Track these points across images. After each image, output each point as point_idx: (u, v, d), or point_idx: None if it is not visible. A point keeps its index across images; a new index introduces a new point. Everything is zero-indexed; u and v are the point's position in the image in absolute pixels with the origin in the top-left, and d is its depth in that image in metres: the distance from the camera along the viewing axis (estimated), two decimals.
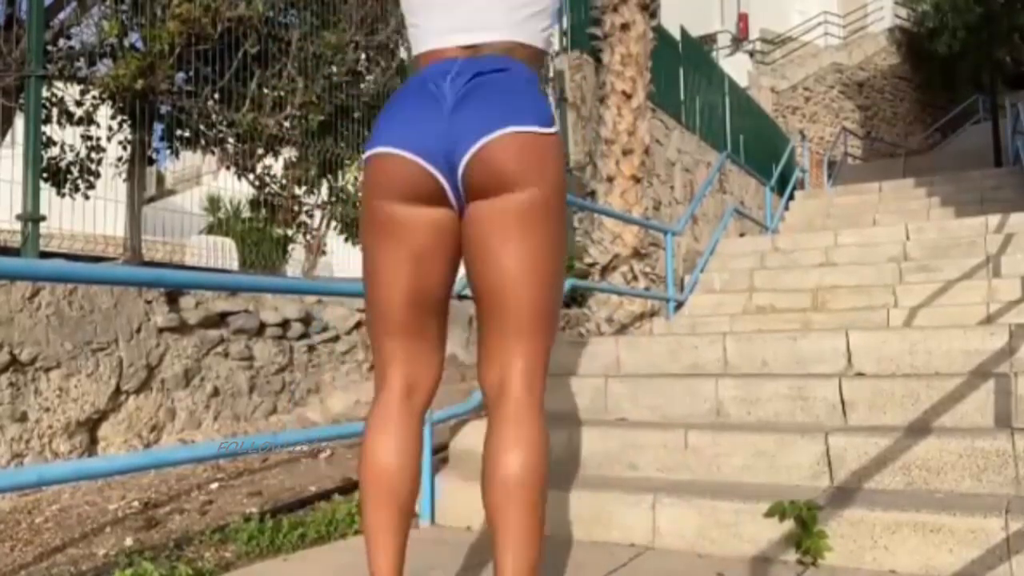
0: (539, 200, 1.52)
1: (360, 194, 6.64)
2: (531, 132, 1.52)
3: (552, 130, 1.55)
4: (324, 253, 7.12)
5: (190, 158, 9.49)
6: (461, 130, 1.52)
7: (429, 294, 1.63)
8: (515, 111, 1.53)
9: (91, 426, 3.66)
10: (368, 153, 1.62)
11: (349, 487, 3.42)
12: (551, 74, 8.14)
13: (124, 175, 5.83)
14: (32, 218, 3.73)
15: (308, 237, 6.81)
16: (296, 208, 6.58)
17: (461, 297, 2.49)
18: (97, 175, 5.58)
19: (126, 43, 5.20)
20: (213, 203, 9.53)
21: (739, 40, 21.32)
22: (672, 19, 10.02)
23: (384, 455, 1.61)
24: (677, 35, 9.78)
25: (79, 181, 5.50)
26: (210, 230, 8.50)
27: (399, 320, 1.62)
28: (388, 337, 1.65)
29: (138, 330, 3.84)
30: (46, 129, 4.95)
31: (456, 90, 1.55)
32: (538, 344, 1.58)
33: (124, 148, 5.79)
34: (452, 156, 1.53)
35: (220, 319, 4.24)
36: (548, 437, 1.58)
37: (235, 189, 7.02)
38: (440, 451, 3.37)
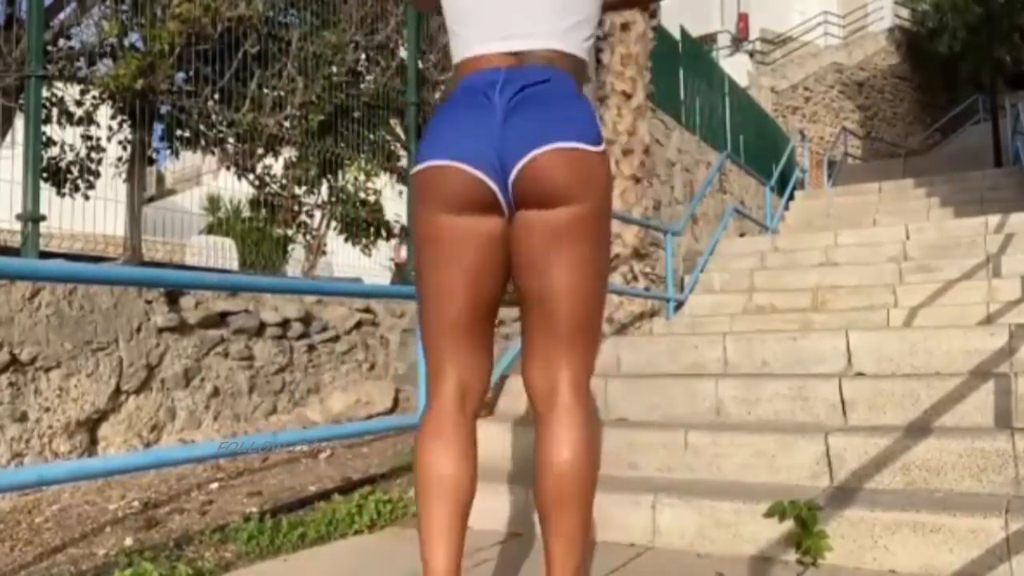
0: (584, 215, 1.56)
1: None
2: (578, 149, 1.54)
3: (599, 148, 1.57)
4: (324, 253, 7.12)
5: (190, 158, 9.48)
6: (512, 142, 1.54)
7: (484, 303, 1.64)
8: (563, 127, 1.54)
9: (91, 426, 3.66)
10: (420, 167, 1.61)
11: (349, 487, 3.42)
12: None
13: (124, 175, 5.83)
14: (32, 218, 3.73)
15: (308, 237, 6.81)
16: (296, 208, 6.58)
17: None
18: (97, 175, 5.58)
19: (126, 43, 5.20)
20: (213, 203, 9.53)
21: (739, 40, 21.32)
22: (672, 19, 10.02)
23: (443, 465, 1.61)
24: (677, 35, 9.77)
25: (79, 181, 5.50)
26: (210, 230, 8.50)
27: (454, 330, 1.64)
28: (442, 347, 1.66)
29: (138, 330, 3.84)
30: (46, 129, 4.95)
31: (505, 101, 1.56)
32: (584, 354, 1.63)
33: (124, 148, 5.79)
34: (504, 166, 1.55)
35: (220, 319, 4.24)
36: (598, 440, 1.66)
37: (235, 189, 7.02)
38: None
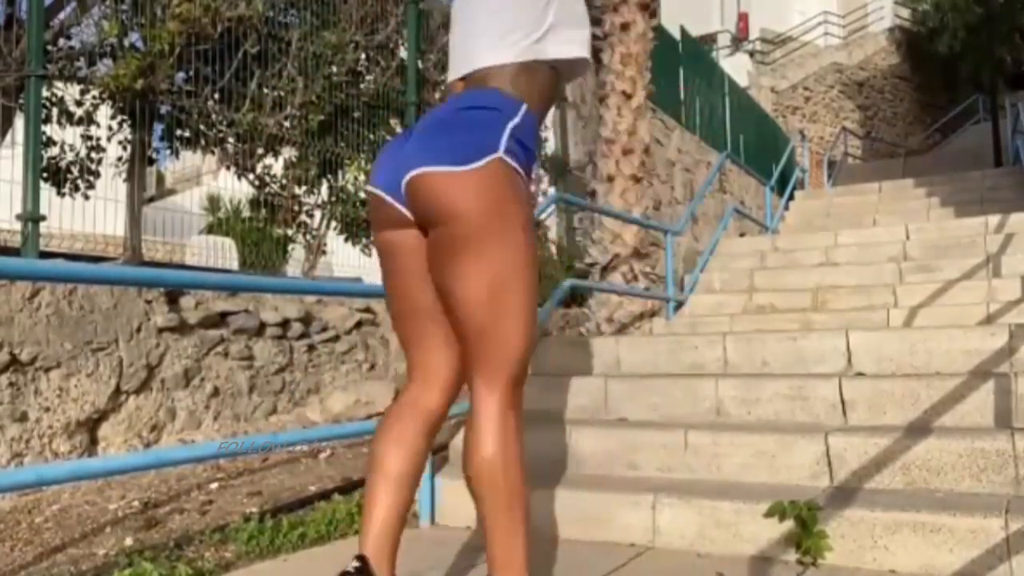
0: (457, 234, 1.62)
1: (360, 194, 6.70)
2: (439, 173, 1.62)
3: (467, 167, 1.61)
4: (324, 253, 7.12)
5: (190, 158, 9.48)
6: (400, 166, 1.69)
7: (422, 306, 1.80)
8: (435, 150, 1.64)
9: (91, 426, 3.66)
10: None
11: (349, 487, 3.42)
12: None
13: (124, 175, 5.82)
14: (32, 218, 3.73)
15: (308, 237, 6.81)
16: (296, 208, 6.58)
17: None
18: (97, 175, 5.58)
19: (126, 43, 5.20)
20: (213, 203, 9.52)
21: (739, 40, 21.31)
22: (672, 19, 10.02)
23: (389, 461, 1.77)
24: (677, 35, 9.78)
25: (79, 181, 5.49)
26: (210, 230, 8.49)
27: (408, 329, 1.84)
28: (406, 345, 1.86)
29: (138, 330, 3.84)
30: (46, 129, 4.94)
31: (418, 127, 1.73)
32: (490, 357, 1.67)
33: (124, 148, 5.79)
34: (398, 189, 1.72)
35: (220, 319, 4.24)
36: (513, 433, 1.67)
37: (235, 189, 7.01)
38: (440, 450, 3.37)
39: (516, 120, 1.70)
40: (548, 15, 1.80)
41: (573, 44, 1.84)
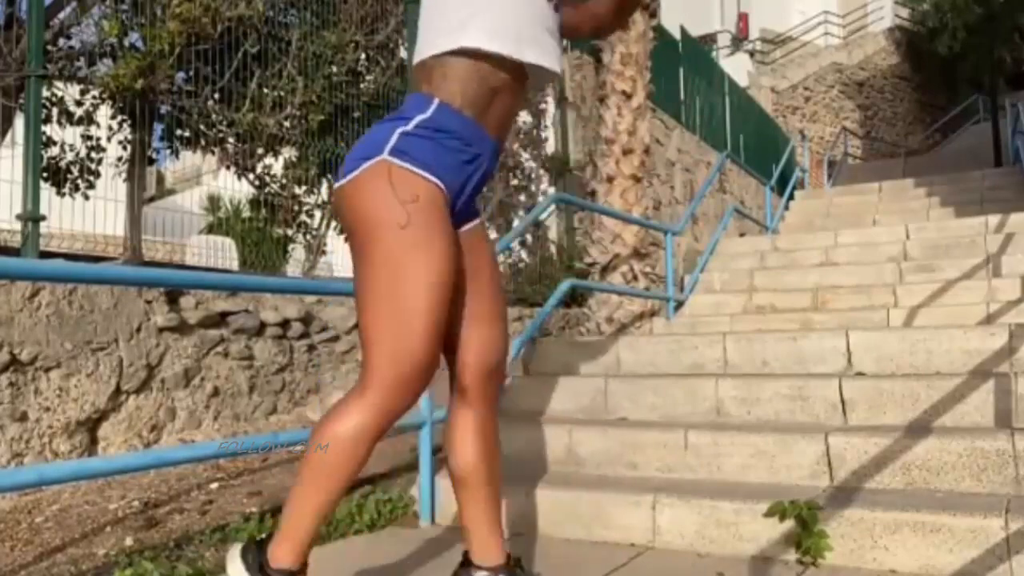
0: (353, 242, 1.72)
1: None
2: (337, 188, 1.73)
3: (347, 179, 1.69)
4: (324, 253, 7.11)
5: (190, 158, 9.47)
6: None
7: None
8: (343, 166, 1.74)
9: (91, 426, 3.66)
10: None
11: (349, 487, 3.41)
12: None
13: (124, 175, 5.82)
14: (32, 218, 3.73)
15: (308, 237, 6.80)
16: (296, 208, 6.57)
17: None
18: (97, 175, 5.57)
19: (126, 43, 5.20)
20: (213, 203, 9.52)
21: (739, 40, 21.32)
22: (672, 19, 10.02)
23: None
24: (677, 35, 9.78)
25: (79, 181, 5.49)
26: (210, 230, 8.49)
27: None
28: None
29: (138, 330, 3.84)
30: (46, 129, 4.94)
31: None
32: (366, 358, 1.72)
33: (124, 148, 5.78)
34: None
35: (220, 319, 4.24)
36: (341, 431, 1.74)
37: (235, 189, 7.01)
38: (440, 451, 3.36)
39: (423, 115, 1.68)
40: (468, 5, 1.69)
41: (500, 38, 1.67)
